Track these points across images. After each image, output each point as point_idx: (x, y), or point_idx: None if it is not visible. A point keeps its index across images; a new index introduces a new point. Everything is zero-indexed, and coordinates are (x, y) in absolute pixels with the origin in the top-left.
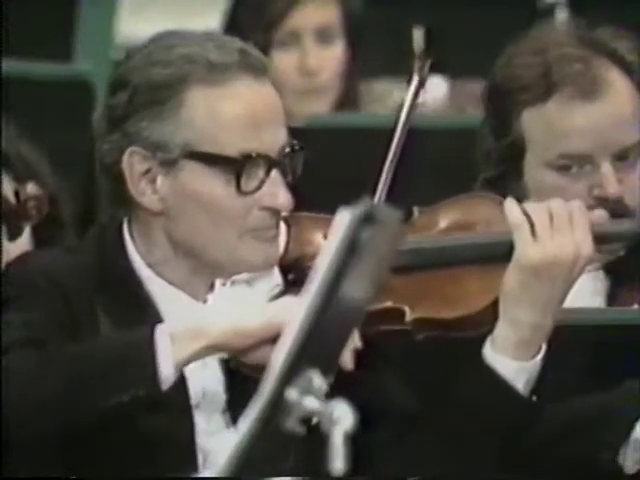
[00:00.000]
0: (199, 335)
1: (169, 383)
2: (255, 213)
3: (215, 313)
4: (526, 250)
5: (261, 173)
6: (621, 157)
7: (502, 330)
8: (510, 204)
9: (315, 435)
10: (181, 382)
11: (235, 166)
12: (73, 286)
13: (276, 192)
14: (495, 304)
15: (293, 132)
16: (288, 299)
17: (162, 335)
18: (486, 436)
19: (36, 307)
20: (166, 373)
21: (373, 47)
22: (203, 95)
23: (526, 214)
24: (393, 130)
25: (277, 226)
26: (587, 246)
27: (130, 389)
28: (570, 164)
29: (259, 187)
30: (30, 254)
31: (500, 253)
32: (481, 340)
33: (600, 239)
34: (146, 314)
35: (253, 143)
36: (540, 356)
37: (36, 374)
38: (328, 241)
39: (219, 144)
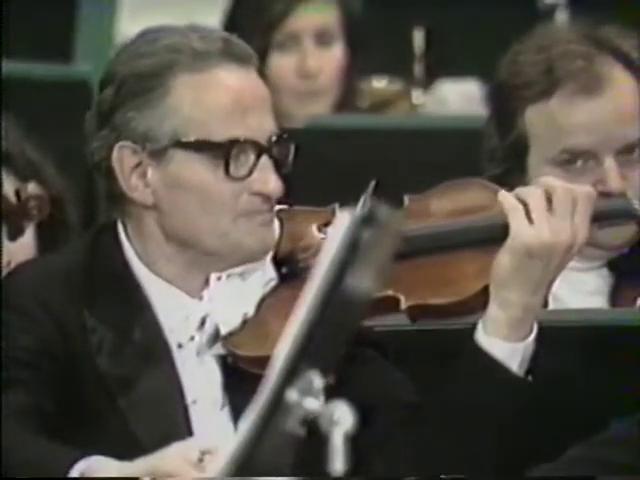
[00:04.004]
0: None
1: None
2: (245, 197)
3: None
4: (521, 233)
5: (251, 159)
6: (624, 153)
7: (493, 312)
8: (503, 193)
9: (315, 435)
10: (176, 379)
11: (222, 151)
12: (64, 304)
13: (266, 178)
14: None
15: (293, 133)
16: (175, 446)
17: (74, 473)
18: (484, 419)
19: (26, 336)
20: None
21: (373, 48)
22: (188, 83)
23: (521, 199)
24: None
25: (270, 211)
26: (583, 232)
27: None
28: (573, 160)
29: (249, 173)
30: (21, 270)
31: (493, 236)
32: (473, 325)
33: (592, 218)
34: (142, 316)
35: (240, 129)
36: (532, 337)
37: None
38: (328, 242)
39: (206, 131)
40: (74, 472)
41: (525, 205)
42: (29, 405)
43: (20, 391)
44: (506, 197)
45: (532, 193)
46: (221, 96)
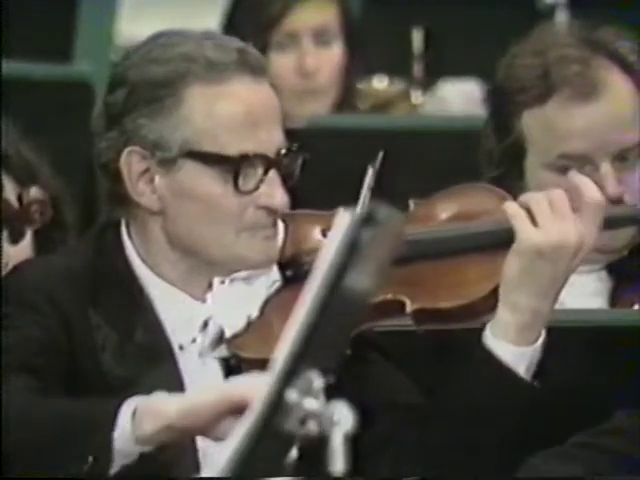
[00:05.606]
0: (158, 414)
1: (132, 458)
2: (251, 211)
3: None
4: (528, 235)
5: (259, 173)
6: (621, 158)
7: (502, 315)
8: (507, 202)
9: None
10: (178, 380)
11: (233, 165)
12: (69, 300)
13: (273, 192)
14: (496, 292)
15: (292, 133)
16: (248, 376)
17: (126, 411)
18: (489, 422)
19: (33, 327)
20: (125, 449)
21: (373, 48)
22: (202, 93)
23: (524, 206)
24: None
25: (274, 225)
26: (591, 235)
27: (85, 460)
28: (570, 165)
29: (257, 187)
30: (26, 266)
31: (499, 240)
32: (481, 327)
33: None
34: (145, 317)
35: (251, 143)
36: (540, 342)
37: (20, 412)
38: (328, 242)
39: (217, 143)
40: (124, 414)
41: (528, 211)
42: (40, 388)
43: (29, 376)
44: (509, 205)
45: (534, 198)
46: (234, 109)
